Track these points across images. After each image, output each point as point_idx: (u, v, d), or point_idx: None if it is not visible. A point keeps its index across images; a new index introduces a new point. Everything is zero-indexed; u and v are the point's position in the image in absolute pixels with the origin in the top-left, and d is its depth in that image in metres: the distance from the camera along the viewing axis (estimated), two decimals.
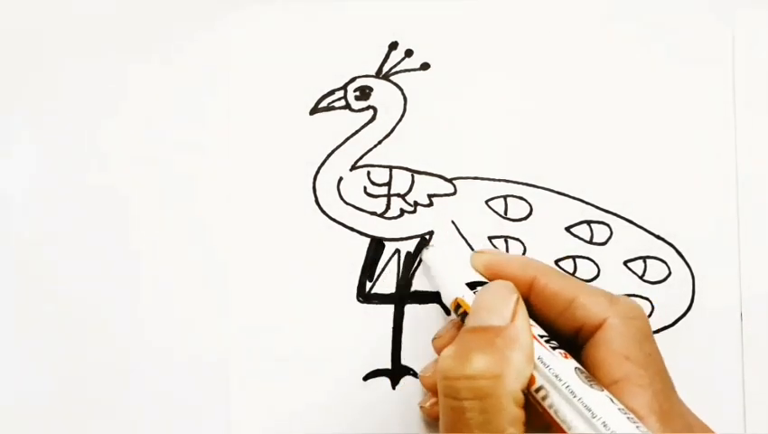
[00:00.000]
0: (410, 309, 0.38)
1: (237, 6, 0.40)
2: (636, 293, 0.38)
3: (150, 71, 0.40)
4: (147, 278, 0.39)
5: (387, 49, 0.39)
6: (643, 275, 0.38)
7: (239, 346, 0.38)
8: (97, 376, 0.38)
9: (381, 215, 0.39)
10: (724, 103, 0.39)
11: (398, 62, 0.39)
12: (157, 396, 0.38)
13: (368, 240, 0.38)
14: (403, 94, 0.39)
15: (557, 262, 0.38)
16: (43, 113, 0.40)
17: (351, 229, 0.38)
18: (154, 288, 0.39)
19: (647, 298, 0.38)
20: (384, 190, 0.39)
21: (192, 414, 0.38)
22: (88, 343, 0.39)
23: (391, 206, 0.39)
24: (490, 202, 0.38)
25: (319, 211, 0.39)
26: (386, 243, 0.38)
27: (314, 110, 0.39)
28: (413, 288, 0.38)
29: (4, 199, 0.40)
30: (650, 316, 0.38)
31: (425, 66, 0.39)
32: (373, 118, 0.39)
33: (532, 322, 0.31)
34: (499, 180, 0.38)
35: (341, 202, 0.39)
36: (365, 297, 0.38)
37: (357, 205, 0.39)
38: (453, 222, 0.38)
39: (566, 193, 0.38)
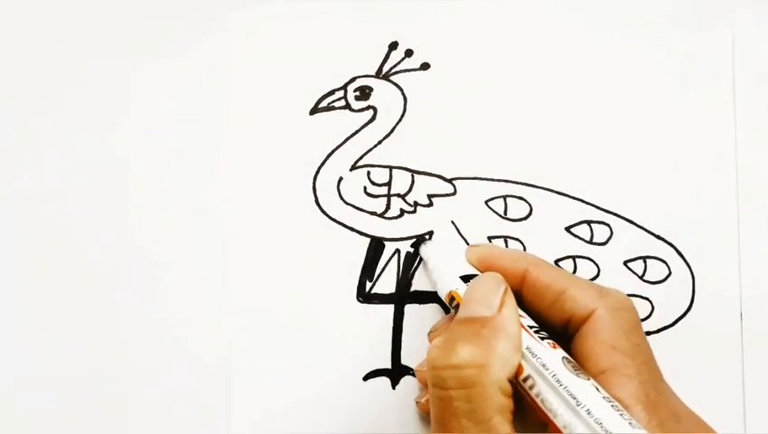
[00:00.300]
0: (410, 309, 0.38)
1: (237, 6, 0.40)
2: (636, 293, 0.38)
3: (150, 71, 0.40)
4: (148, 278, 0.39)
5: (387, 49, 0.39)
6: (643, 275, 0.38)
7: (239, 346, 0.38)
8: (96, 376, 0.38)
9: (381, 215, 0.39)
10: (724, 103, 0.39)
11: (398, 62, 0.39)
12: (157, 395, 0.38)
13: (368, 240, 0.38)
14: (403, 94, 0.39)
15: (557, 262, 0.38)
16: (43, 113, 0.40)
17: (351, 229, 0.39)
18: (155, 288, 0.39)
19: (647, 298, 0.38)
20: (384, 190, 0.39)
21: (192, 413, 0.38)
22: (89, 342, 0.39)
23: (391, 206, 0.39)
24: (489, 203, 0.38)
25: (319, 211, 0.39)
26: (386, 243, 0.38)
27: (314, 110, 0.39)
28: (413, 288, 0.38)
29: (5, 199, 0.40)
30: (650, 315, 0.38)
31: (425, 66, 0.39)
32: (373, 118, 0.39)
33: (523, 313, 0.32)
34: (498, 180, 0.38)
35: (341, 202, 0.39)
36: (365, 296, 0.38)
37: (357, 205, 0.39)
38: (453, 223, 0.38)
39: (566, 193, 0.38)
